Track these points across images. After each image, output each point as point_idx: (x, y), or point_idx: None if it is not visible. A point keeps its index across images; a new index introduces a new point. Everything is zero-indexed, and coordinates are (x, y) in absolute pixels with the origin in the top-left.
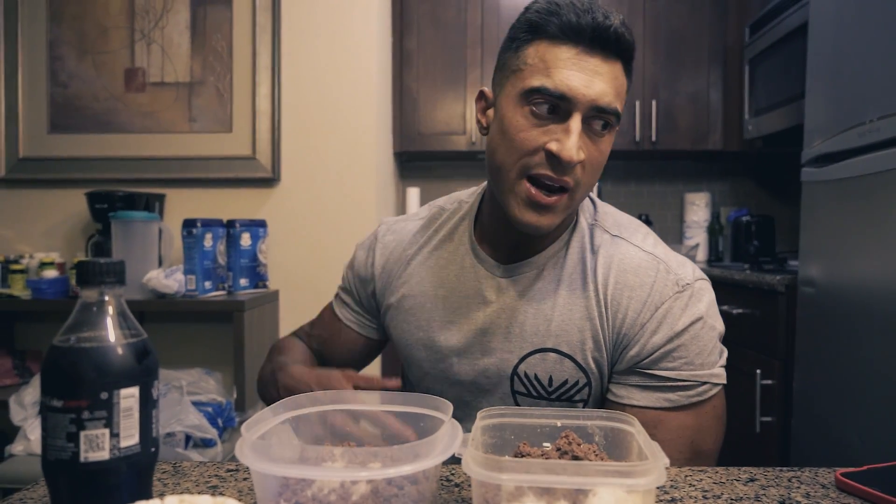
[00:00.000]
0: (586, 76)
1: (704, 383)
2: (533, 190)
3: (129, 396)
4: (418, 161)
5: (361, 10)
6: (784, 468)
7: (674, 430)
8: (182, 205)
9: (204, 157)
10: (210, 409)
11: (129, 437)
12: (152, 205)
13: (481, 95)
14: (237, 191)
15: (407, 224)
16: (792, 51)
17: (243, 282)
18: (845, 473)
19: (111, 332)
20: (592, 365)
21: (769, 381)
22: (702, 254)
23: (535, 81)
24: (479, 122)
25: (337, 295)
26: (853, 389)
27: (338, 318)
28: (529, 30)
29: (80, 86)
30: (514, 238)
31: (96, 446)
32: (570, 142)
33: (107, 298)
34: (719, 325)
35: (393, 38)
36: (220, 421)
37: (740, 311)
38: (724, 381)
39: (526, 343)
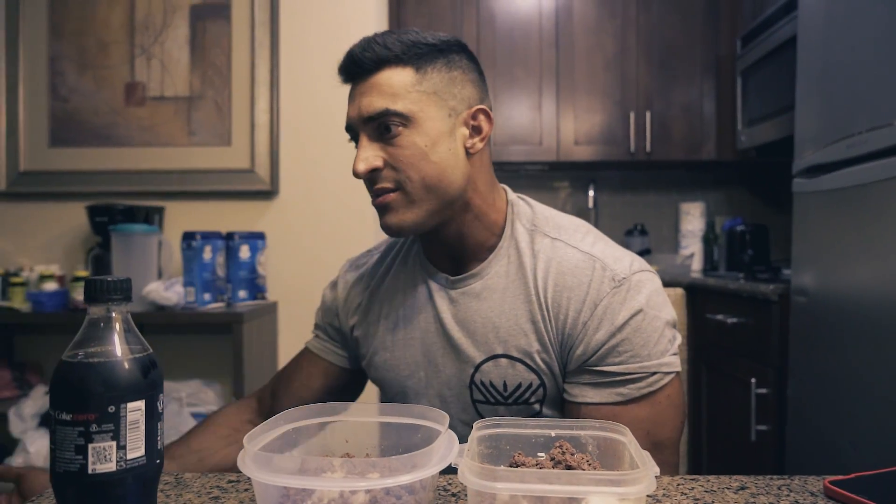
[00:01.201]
0: (356, 101)
1: (654, 373)
2: (373, 200)
3: (135, 410)
4: None
5: (358, 25)
6: (774, 476)
7: (629, 424)
8: (181, 217)
9: (203, 171)
10: None
11: (136, 450)
12: (152, 217)
13: None
14: (236, 203)
15: (366, 259)
16: (783, 62)
17: (242, 294)
18: (833, 481)
19: (118, 347)
20: (543, 366)
21: (764, 390)
22: (697, 263)
23: None
24: None
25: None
26: (846, 397)
27: (307, 350)
28: None
29: (81, 100)
30: (445, 252)
31: (104, 458)
32: (355, 158)
33: (114, 315)
34: (664, 314)
35: None
36: None
37: (735, 320)
38: (677, 369)
39: (479, 352)
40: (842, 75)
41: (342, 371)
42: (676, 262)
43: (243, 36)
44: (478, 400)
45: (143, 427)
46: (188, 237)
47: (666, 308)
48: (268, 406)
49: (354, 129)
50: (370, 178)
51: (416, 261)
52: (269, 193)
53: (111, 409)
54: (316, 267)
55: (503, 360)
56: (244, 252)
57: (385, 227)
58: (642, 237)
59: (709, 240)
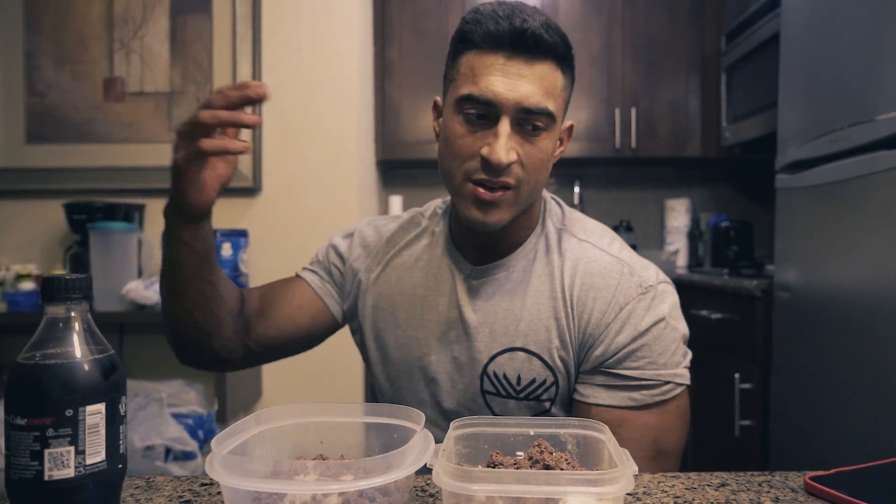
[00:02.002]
0: (511, 80)
1: (668, 383)
2: (478, 189)
3: (95, 413)
4: (401, 169)
5: (342, 21)
6: (755, 473)
7: (637, 429)
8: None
9: None
10: (190, 421)
11: (96, 454)
12: (132, 215)
13: (434, 105)
14: (218, 200)
15: (388, 223)
16: (767, 59)
17: None
18: (814, 477)
19: (77, 348)
20: (559, 364)
21: (748, 385)
22: (682, 259)
23: (465, 90)
24: (434, 130)
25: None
26: (828, 392)
27: (303, 282)
28: (461, 40)
29: (59, 95)
30: (481, 241)
31: (61, 464)
32: (499, 145)
33: (73, 315)
34: (682, 328)
35: (374, 48)
36: (200, 433)
37: (719, 315)
38: (688, 382)
39: (495, 342)
40: (824, 71)
41: (330, 319)
42: (662, 259)
43: (225, 31)
44: (488, 391)
45: (103, 431)
46: None
47: (682, 322)
48: (251, 316)
49: (496, 109)
50: (499, 170)
51: (439, 242)
52: (251, 190)
53: (69, 412)
54: (300, 264)
55: (520, 354)
56: (226, 250)
57: (480, 222)
58: (628, 233)
59: (694, 236)
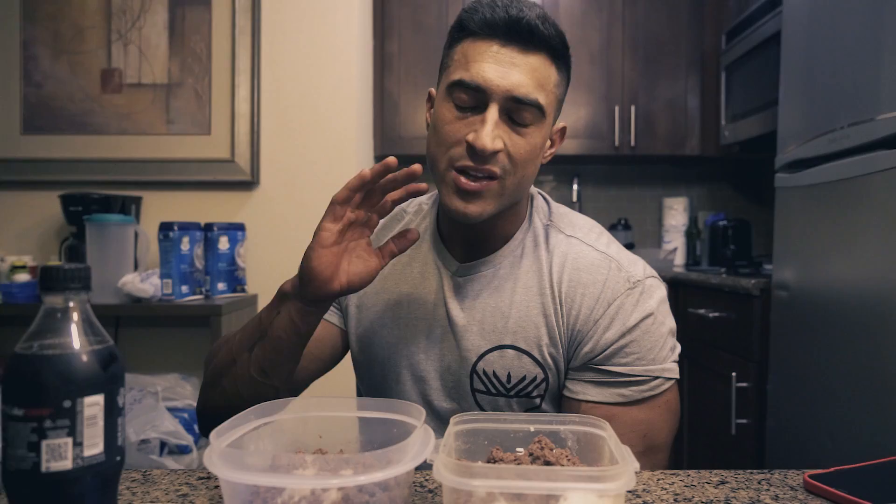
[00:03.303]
0: (502, 68)
1: (657, 378)
2: (460, 178)
3: (93, 404)
4: (399, 164)
5: (342, 14)
6: (755, 471)
7: (627, 425)
8: (159, 208)
9: (182, 160)
10: (186, 416)
11: (94, 446)
12: (128, 207)
13: (429, 96)
14: (215, 194)
15: None
16: (767, 58)
17: (221, 286)
18: (813, 475)
19: (75, 339)
20: (549, 360)
21: (744, 384)
22: (680, 258)
23: (456, 76)
24: (426, 121)
25: None
26: (825, 391)
27: None
28: (458, 28)
29: (55, 86)
30: (468, 236)
31: (58, 455)
32: (484, 131)
33: (71, 305)
34: (670, 322)
35: (374, 42)
36: (196, 427)
37: (716, 314)
38: (677, 376)
39: (485, 340)
40: (824, 70)
41: (345, 337)
42: (659, 257)
43: (224, 22)
44: (478, 390)
45: (101, 423)
46: (165, 228)
47: (670, 317)
48: None
49: (485, 95)
50: (483, 156)
51: (425, 237)
52: (249, 184)
53: (67, 403)
54: (297, 259)
55: (510, 352)
56: (223, 243)
57: (462, 213)
58: (626, 231)
59: (692, 234)
